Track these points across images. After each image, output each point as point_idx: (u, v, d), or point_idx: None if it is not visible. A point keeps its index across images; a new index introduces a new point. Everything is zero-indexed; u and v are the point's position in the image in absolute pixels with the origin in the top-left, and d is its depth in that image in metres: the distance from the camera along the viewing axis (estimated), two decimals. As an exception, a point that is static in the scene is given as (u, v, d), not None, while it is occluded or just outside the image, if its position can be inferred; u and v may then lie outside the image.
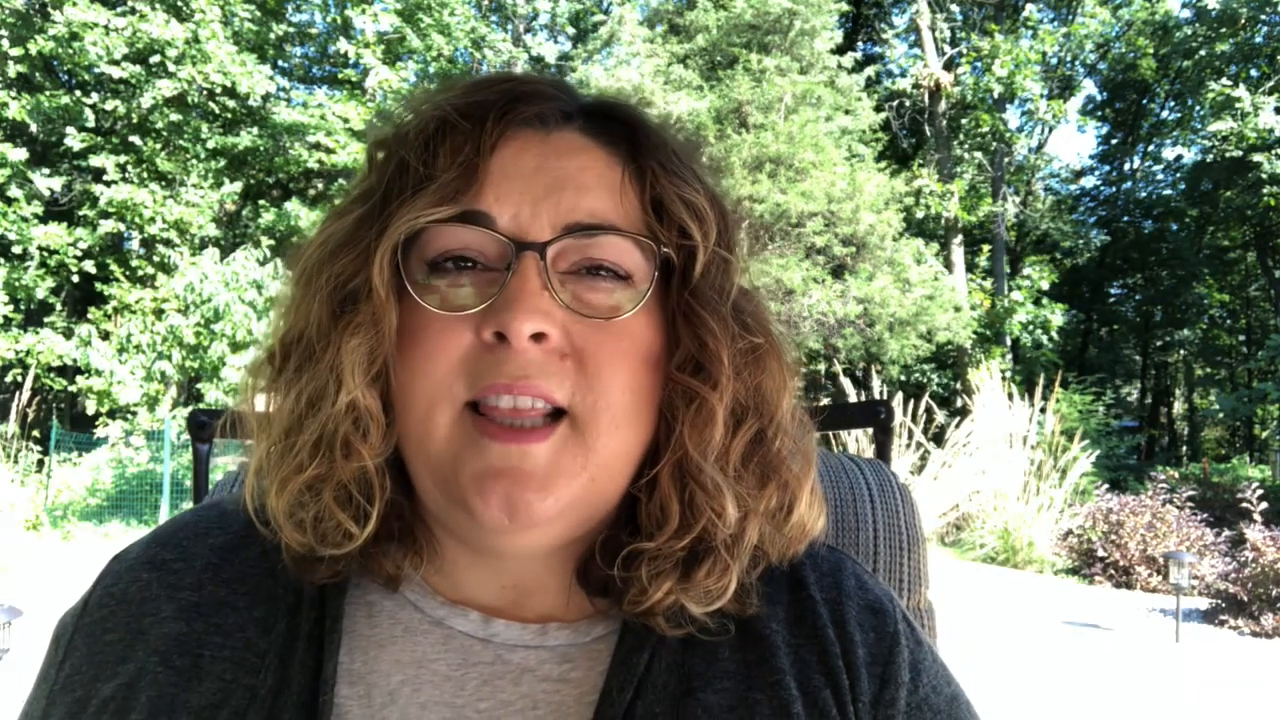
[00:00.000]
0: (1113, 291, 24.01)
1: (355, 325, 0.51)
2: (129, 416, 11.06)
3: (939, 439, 9.09)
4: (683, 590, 0.53)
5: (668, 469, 0.53)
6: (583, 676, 0.54)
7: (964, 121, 18.35)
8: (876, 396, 11.29)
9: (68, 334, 13.50)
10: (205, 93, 14.31)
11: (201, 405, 10.88)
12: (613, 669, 0.53)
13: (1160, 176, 21.85)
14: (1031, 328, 16.12)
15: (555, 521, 0.51)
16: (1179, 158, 21.11)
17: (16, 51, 13.53)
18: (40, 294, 14.02)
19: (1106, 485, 9.03)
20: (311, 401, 0.52)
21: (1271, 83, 16.57)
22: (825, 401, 13.13)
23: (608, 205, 0.53)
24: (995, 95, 16.79)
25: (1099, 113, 21.82)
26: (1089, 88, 21.05)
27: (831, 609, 0.58)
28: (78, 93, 14.49)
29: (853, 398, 10.25)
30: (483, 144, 0.52)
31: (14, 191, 13.67)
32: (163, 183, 14.28)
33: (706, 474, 0.52)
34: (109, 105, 13.98)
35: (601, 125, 0.56)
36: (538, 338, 0.50)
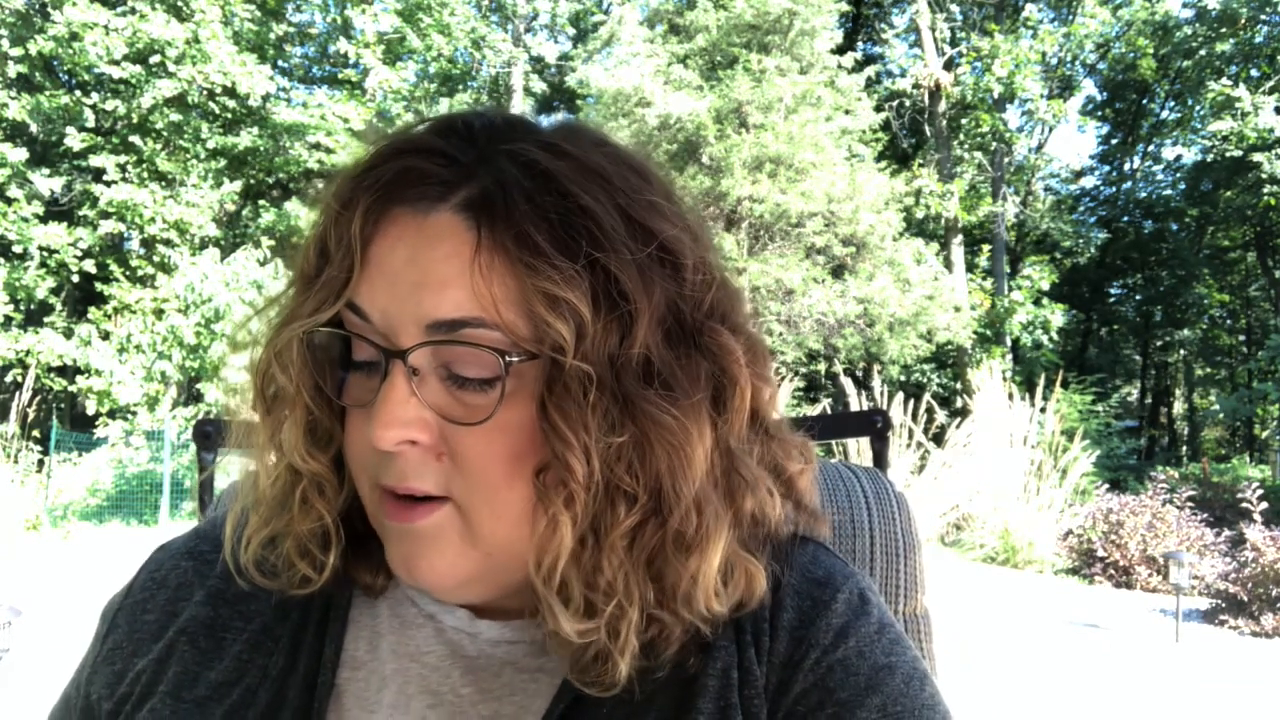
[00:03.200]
0: (1113, 291, 23.99)
1: (280, 413, 0.56)
2: (129, 416, 11.06)
3: (939, 439, 9.09)
4: (577, 673, 0.53)
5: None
6: (556, 666, 0.56)
7: (964, 121, 18.34)
8: (876, 396, 11.29)
9: (68, 334, 13.50)
10: (205, 93, 14.31)
11: (204, 407, 10.89)
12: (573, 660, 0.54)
13: (1160, 176, 21.84)
14: (1031, 328, 16.12)
15: (466, 586, 0.54)
16: (1179, 158, 21.12)
17: (16, 51, 13.53)
18: (40, 294, 14.03)
19: (1106, 485, 9.02)
20: (266, 467, 0.57)
21: (1271, 83, 16.57)
22: (825, 403, 13.15)
23: (467, 301, 0.49)
24: (995, 95, 16.79)
25: (1099, 113, 21.81)
26: (1089, 88, 21.06)
27: (774, 584, 0.57)
28: (78, 93, 14.49)
29: (853, 398, 10.24)
30: (353, 237, 0.51)
31: (14, 191, 13.67)
32: (163, 183, 14.28)
33: (548, 601, 0.51)
34: (109, 105, 13.98)
35: (482, 197, 0.50)
36: (410, 441, 0.51)
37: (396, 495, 0.53)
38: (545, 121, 0.57)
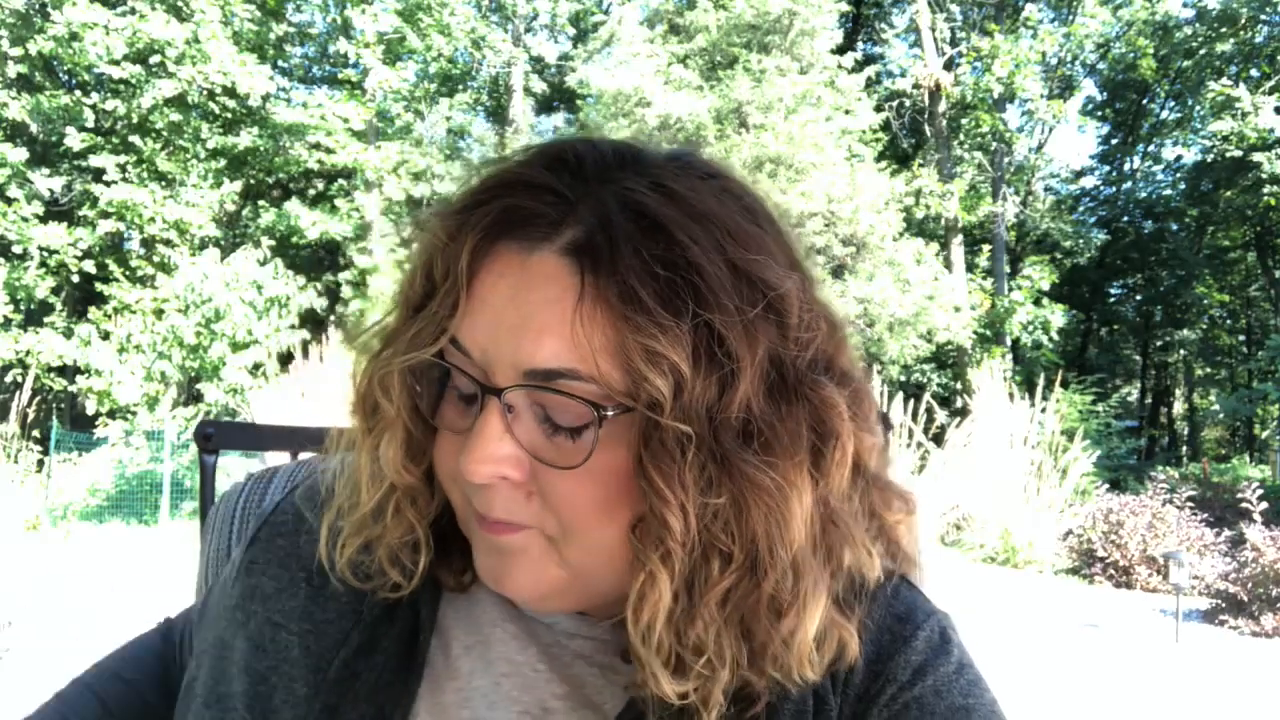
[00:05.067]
0: (1113, 291, 23.99)
1: (380, 431, 0.57)
2: (129, 416, 11.05)
3: (939, 439, 9.09)
4: None
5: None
6: (629, 668, 0.56)
7: (964, 121, 18.34)
8: (877, 396, 11.29)
9: (68, 334, 13.50)
10: (205, 93, 14.32)
11: (204, 407, 10.88)
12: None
13: (1160, 176, 21.84)
14: (1031, 328, 16.12)
15: (551, 599, 0.55)
16: (1179, 158, 21.11)
17: (16, 51, 13.54)
18: (40, 294, 14.04)
19: (1106, 485, 9.02)
20: (362, 481, 0.59)
21: (1271, 83, 16.57)
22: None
23: (565, 351, 0.49)
24: (995, 95, 16.79)
25: (1099, 113, 21.81)
26: (1089, 88, 21.05)
27: (857, 625, 0.57)
28: (78, 93, 14.50)
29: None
30: (460, 272, 0.51)
31: (14, 191, 13.68)
32: (163, 183, 14.29)
33: (649, 650, 0.51)
34: (109, 105, 13.98)
35: (589, 242, 0.49)
36: (501, 477, 0.51)
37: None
38: (656, 150, 0.55)
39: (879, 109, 15.13)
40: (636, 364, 0.48)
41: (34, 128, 14.36)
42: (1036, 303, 16.17)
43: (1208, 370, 26.09)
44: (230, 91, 14.16)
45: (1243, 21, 16.92)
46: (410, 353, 0.53)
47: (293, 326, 10.89)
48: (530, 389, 0.50)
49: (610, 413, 0.49)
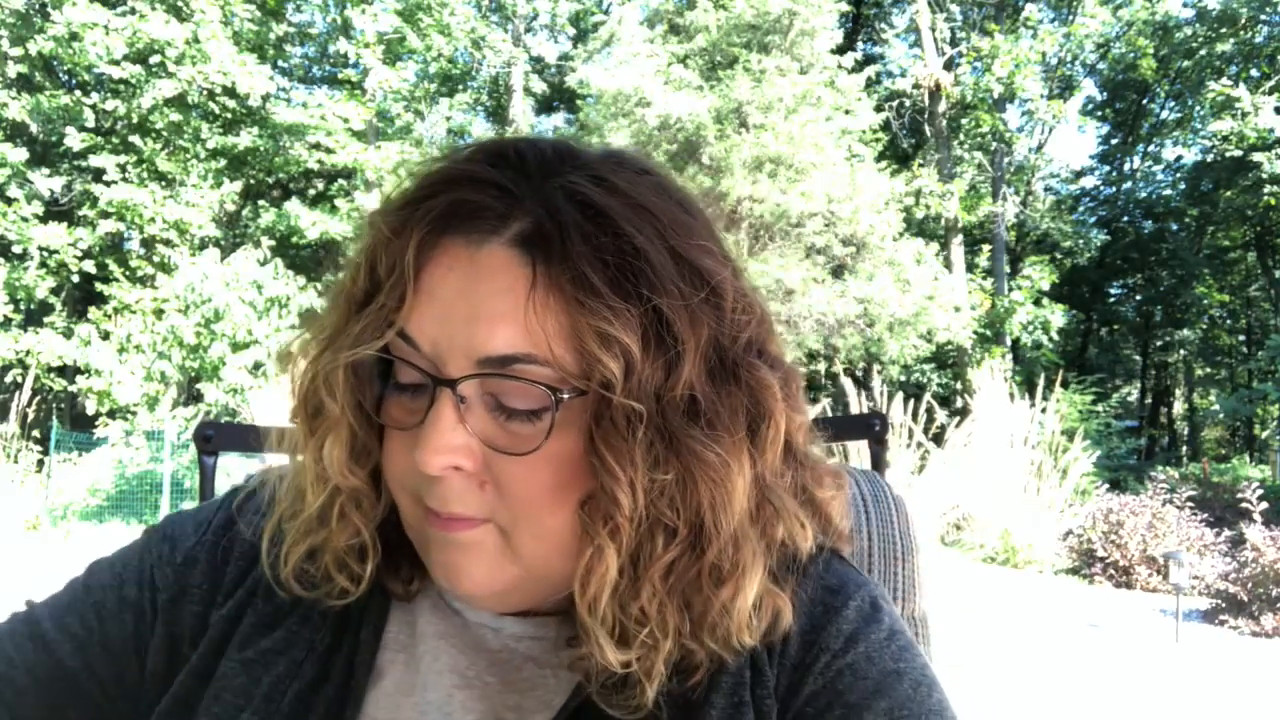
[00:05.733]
0: (1113, 291, 23.98)
1: (323, 431, 0.57)
2: (129, 416, 11.05)
3: (939, 439, 9.09)
4: (601, 693, 0.55)
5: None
6: (575, 658, 0.58)
7: (964, 121, 18.33)
8: (876, 396, 11.28)
9: (68, 334, 13.50)
10: (205, 93, 14.31)
11: (204, 407, 10.88)
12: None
13: (1160, 176, 21.83)
14: (1031, 328, 16.11)
15: (498, 598, 0.56)
16: (1179, 158, 21.11)
17: (16, 51, 13.53)
18: (40, 294, 14.03)
19: (1106, 485, 9.02)
20: (306, 485, 0.59)
21: (1271, 83, 16.56)
22: (825, 403, 13.14)
23: (519, 337, 0.50)
24: (995, 95, 16.78)
25: (1099, 113, 21.80)
26: (1089, 88, 21.03)
27: (791, 595, 0.59)
28: (78, 93, 14.49)
29: (852, 398, 10.24)
30: (407, 265, 0.52)
31: (14, 191, 13.67)
32: (163, 183, 14.28)
33: (595, 621, 0.53)
34: (109, 105, 13.98)
35: (536, 232, 0.51)
36: (455, 468, 0.52)
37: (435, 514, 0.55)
38: (590, 149, 0.57)
39: (879, 109, 15.12)
40: (590, 347, 0.50)
41: (34, 128, 14.36)
42: (1036, 303, 16.16)
43: (1208, 370, 26.08)
44: (230, 91, 14.15)
45: (1243, 21, 16.91)
46: (356, 347, 0.54)
47: (293, 327, 10.87)
48: (485, 377, 0.51)
49: (565, 395, 0.51)
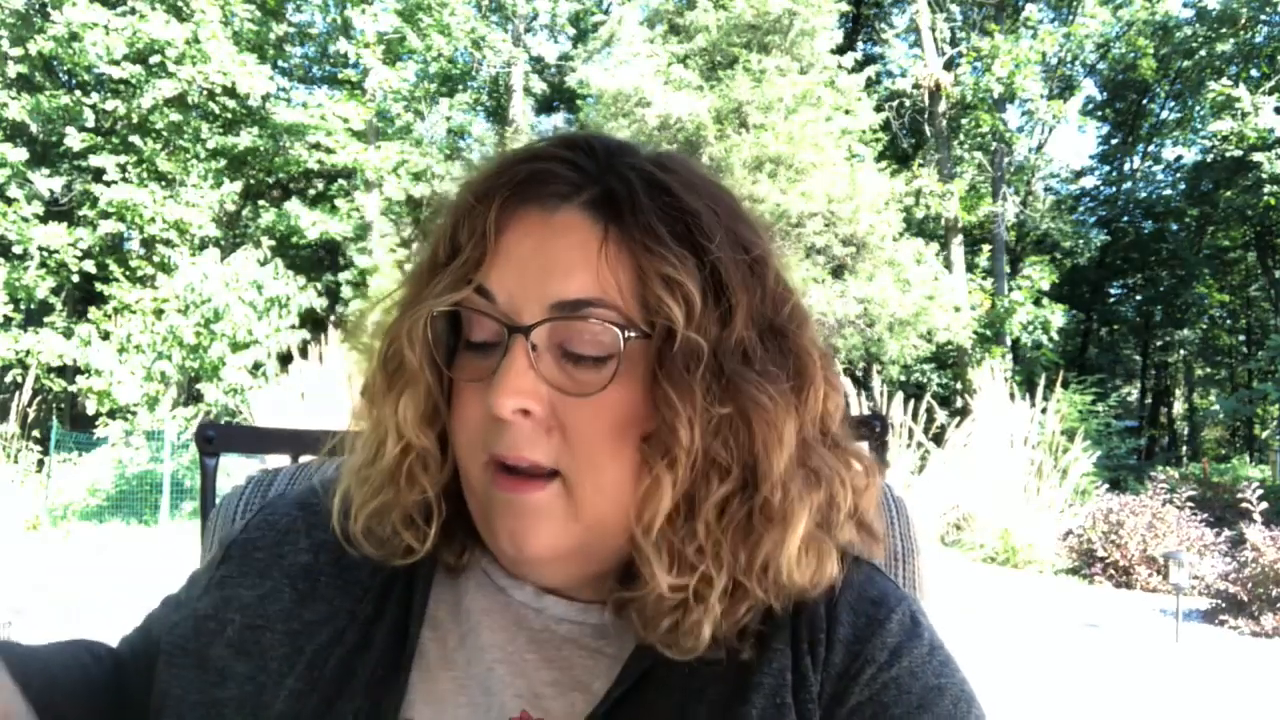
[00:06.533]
0: (1113, 291, 23.97)
1: (401, 387, 0.61)
2: (129, 416, 11.05)
3: (939, 439, 9.09)
4: (660, 636, 0.58)
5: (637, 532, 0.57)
6: (616, 652, 0.61)
7: (964, 121, 18.32)
8: (877, 396, 11.29)
9: (68, 334, 13.51)
10: (205, 93, 14.32)
11: (204, 407, 10.88)
12: (635, 651, 0.60)
13: (1160, 176, 21.81)
14: (1031, 328, 16.11)
15: (560, 562, 0.59)
16: (1179, 158, 21.09)
17: (16, 51, 13.53)
18: (40, 294, 14.03)
19: (1106, 485, 9.02)
20: (380, 440, 0.62)
21: (1271, 83, 16.56)
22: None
23: (591, 284, 0.56)
24: (995, 95, 16.77)
25: (1099, 113, 21.78)
26: (1089, 88, 21.02)
27: (829, 602, 0.61)
28: (78, 93, 14.50)
29: (853, 398, 10.24)
30: (489, 227, 0.58)
31: (14, 191, 13.67)
32: (163, 183, 14.29)
33: (645, 552, 0.57)
34: (109, 105, 13.99)
35: (606, 197, 0.58)
36: (524, 412, 0.56)
37: (506, 467, 0.57)
38: (646, 146, 0.65)
39: (879, 109, 15.11)
40: (655, 290, 0.56)
41: (34, 128, 14.35)
42: (1036, 303, 16.15)
43: (1208, 370, 26.08)
44: (230, 91, 14.16)
45: (1243, 21, 16.91)
46: (439, 299, 0.59)
47: (293, 327, 10.88)
48: (558, 320, 0.56)
49: (632, 335, 0.56)
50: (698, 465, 0.56)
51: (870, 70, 15.14)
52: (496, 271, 0.58)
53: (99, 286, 14.11)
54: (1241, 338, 24.39)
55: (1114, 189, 22.61)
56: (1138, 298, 23.86)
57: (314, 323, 11.57)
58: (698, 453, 0.55)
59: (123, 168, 14.09)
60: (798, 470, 0.58)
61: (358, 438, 0.65)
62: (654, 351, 0.57)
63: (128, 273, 14.20)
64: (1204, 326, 23.44)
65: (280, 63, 17.05)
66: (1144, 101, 21.40)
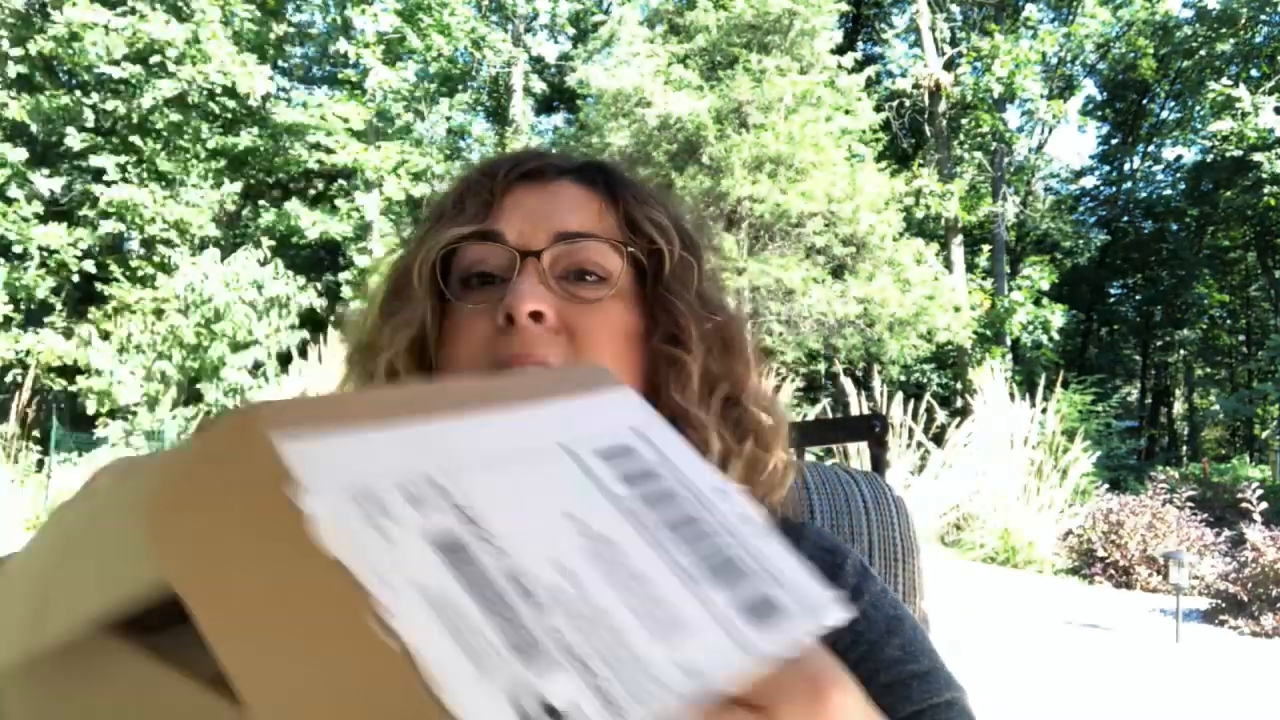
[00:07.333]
0: (1113, 291, 23.96)
1: (397, 324, 0.67)
2: (129, 416, 11.05)
3: (939, 439, 9.09)
4: None
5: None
6: None
7: (964, 121, 18.32)
8: (877, 396, 11.28)
9: (68, 334, 13.49)
10: (205, 93, 14.31)
11: (204, 407, 10.88)
12: None
13: (1160, 176, 21.81)
14: (1031, 328, 16.11)
15: None
16: (1179, 158, 21.09)
17: (17, 51, 13.53)
18: (40, 294, 14.01)
19: (1106, 485, 9.02)
20: (369, 375, 0.69)
21: (1271, 83, 16.56)
22: (825, 403, 13.13)
23: (590, 222, 0.67)
24: (995, 95, 16.77)
25: (1099, 113, 21.78)
26: (1089, 88, 21.03)
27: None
28: (78, 93, 14.49)
29: (853, 398, 10.24)
30: (495, 190, 0.68)
31: (14, 191, 13.66)
32: (163, 183, 14.28)
33: (692, 414, 0.64)
34: (109, 105, 13.97)
35: (587, 176, 0.71)
36: (537, 316, 0.62)
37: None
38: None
39: (879, 109, 15.12)
40: (645, 231, 0.68)
41: (34, 128, 14.33)
42: (1036, 303, 16.15)
43: (1208, 370, 26.07)
44: (230, 91, 14.15)
45: (1243, 21, 16.91)
46: (455, 232, 0.66)
47: (293, 326, 10.89)
48: (564, 244, 0.65)
49: (632, 250, 0.67)
50: (699, 365, 0.65)
51: (870, 70, 15.14)
52: (504, 217, 0.67)
53: (99, 286, 14.10)
54: (1241, 338, 24.39)
55: (1114, 189, 22.60)
56: (1138, 298, 23.86)
57: (314, 323, 11.57)
58: (700, 354, 0.65)
59: (123, 168, 14.08)
60: (760, 390, 0.69)
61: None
62: (650, 273, 0.68)
63: (128, 273, 14.19)
64: (1204, 326, 23.44)
65: (280, 63, 17.05)
66: (1144, 101, 21.39)
